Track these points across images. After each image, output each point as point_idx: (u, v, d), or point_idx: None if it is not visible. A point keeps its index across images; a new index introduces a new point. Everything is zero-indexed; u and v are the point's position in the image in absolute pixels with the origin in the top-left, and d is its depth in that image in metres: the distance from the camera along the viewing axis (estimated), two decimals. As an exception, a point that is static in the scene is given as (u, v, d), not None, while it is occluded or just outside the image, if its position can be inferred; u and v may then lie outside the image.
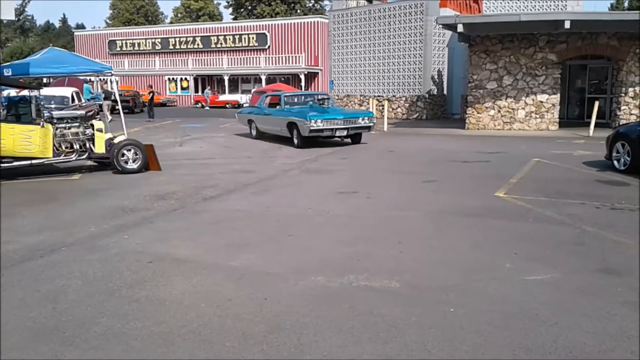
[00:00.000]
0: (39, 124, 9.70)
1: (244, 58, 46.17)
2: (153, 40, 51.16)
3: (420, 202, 7.78)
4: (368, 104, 25.00)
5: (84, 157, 10.32)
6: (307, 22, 45.16)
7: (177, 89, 49.69)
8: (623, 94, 18.11)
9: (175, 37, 50.11)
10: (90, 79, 24.77)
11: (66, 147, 10.11)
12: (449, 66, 26.51)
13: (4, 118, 9.80)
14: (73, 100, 17.47)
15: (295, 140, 14.30)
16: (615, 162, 10.08)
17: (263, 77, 43.47)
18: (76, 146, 10.15)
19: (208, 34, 48.79)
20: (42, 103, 10.61)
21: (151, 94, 26.89)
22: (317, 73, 44.02)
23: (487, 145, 14.55)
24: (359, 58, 28.14)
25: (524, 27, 17.80)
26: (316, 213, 7.09)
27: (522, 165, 10.83)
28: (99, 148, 10.32)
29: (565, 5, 27.66)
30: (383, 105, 24.28)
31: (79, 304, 4.13)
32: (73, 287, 4.49)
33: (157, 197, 8.08)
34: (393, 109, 25.62)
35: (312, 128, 13.55)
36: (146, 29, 54.47)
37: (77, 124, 10.20)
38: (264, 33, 46.07)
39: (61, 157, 10.08)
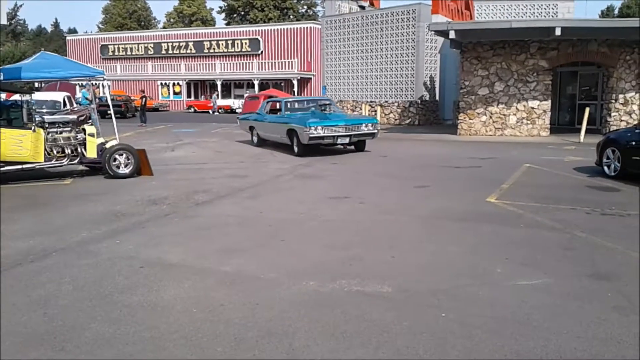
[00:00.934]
0: (30, 129, 9.66)
1: (236, 63, 46.20)
2: (145, 45, 51.09)
3: (412, 207, 7.81)
4: (361, 109, 25.06)
5: (76, 161, 10.29)
6: (300, 28, 45.28)
7: (169, 93, 49.62)
8: (613, 101, 18.26)
9: (167, 42, 50.07)
10: (82, 84, 24.68)
11: (58, 152, 10.07)
12: (441, 72, 26.63)
13: (-5, 122, 9.76)
14: (65, 104, 17.41)
15: (296, 148, 13.67)
16: (606, 168, 10.15)
17: (256, 83, 43.50)
18: (68, 151, 10.12)
19: (201, 39, 48.78)
20: (33, 107, 10.58)
21: (143, 99, 26.82)
22: (310, 78, 44.09)
23: (479, 150, 14.61)
24: (351, 64, 28.22)
25: (515, 33, 17.93)
26: (308, 218, 7.09)
27: (514, 170, 10.89)
28: (91, 153, 10.29)
29: (557, 12, 27.90)
30: (375, 111, 24.36)
31: (70, 309, 4.11)
32: (64, 292, 4.48)
33: (149, 202, 8.07)
34: (385, 114, 25.69)
35: (311, 135, 12.93)
36: (139, 34, 54.37)
37: (69, 129, 10.17)
38: (257, 38, 46.12)
39: (53, 162, 10.05)
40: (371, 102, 26.30)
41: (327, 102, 15.13)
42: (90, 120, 11.24)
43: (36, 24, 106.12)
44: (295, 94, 41.88)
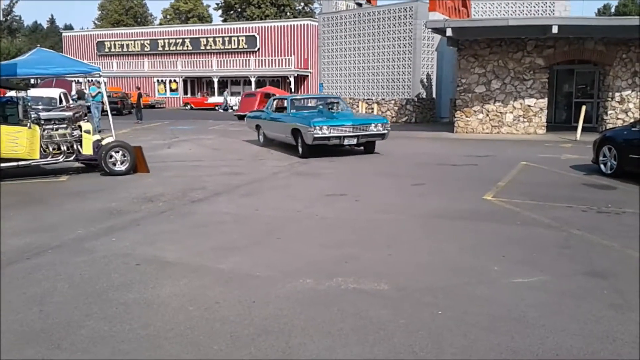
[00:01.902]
0: (26, 125, 9.62)
1: (233, 60, 46.10)
2: (142, 41, 50.93)
3: (409, 205, 7.80)
4: (357, 106, 25.05)
5: (72, 158, 10.25)
6: (297, 25, 45.20)
7: (166, 90, 49.49)
8: (610, 99, 18.30)
9: (164, 39, 49.92)
10: (78, 80, 24.61)
11: (53, 149, 10.04)
12: (437, 70, 26.63)
13: (-10, 119, 9.72)
14: (61, 101, 17.36)
15: (300, 149, 12.84)
16: (602, 166, 10.17)
17: (253, 80, 43.43)
18: (63, 148, 10.08)
19: (197, 36, 48.65)
20: (29, 104, 10.53)
21: (139, 96, 26.76)
22: (307, 76, 44.04)
23: (476, 148, 14.62)
24: (348, 61, 28.20)
25: (512, 31, 17.93)
26: (305, 216, 7.09)
27: (510, 168, 10.90)
28: (87, 150, 10.25)
29: (553, 10, 27.91)
30: (372, 108, 24.38)
31: (66, 307, 4.09)
32: (59, 289, 4.46)
33: (145, 200, 8.04)
34: (382, 112, 25.68)
35: (316, 135, 12.10)
36: (135, 30, 54.20)
37: (65, 126, 10.13)
38: (254, 35, 46.02)
39: (48, 159, 10.01)
40: (368, 99, 26.29)
41: (335, 101, 14.12)
42: (86, 117, 11.18)
43: (32, 20, 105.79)
44: (292, 91, 41.82)
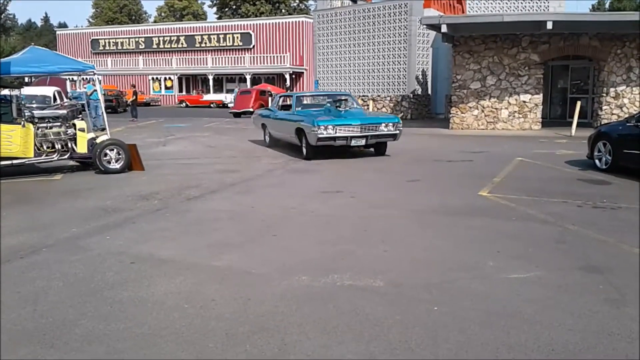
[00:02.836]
0: (20, 124, 9.57)
1: (228, 57, 46.04)
2: (136, 39, 50.81)
3: (404, 201, 7.80)
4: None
5: (66, 157, 10.21)
6: (292, 22, 45.14)
7: (161, 88, 49.39)
8: (604, 94, 18.33)
9: (159, 37, 49.81)
10: (72, 78, 24.50)
11: (48, 147, 9.99)
12: (433, 66, 26.64)
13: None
14: (55, 99, 17.28)
15: (304, 150, 12.01)
16: (597, 161, 10.19)
17: (248, 77, 43.37)
18: (58, 146, 10.04)
19: (192, 33, 48.56)
20: (23, 102, 10.47)
21: (134, 94, 26.69)
22: (302, 73, 44.01)
23: (471, 144, 14.63)
24: (343, 58, 28.16)
25: (507, 27, 17.95)
26: (300, 213, 7.07)
27: (506, 164, 10.91)
28: (81, 148, 10.21)
29: (548, 6, 27.93)
30: (368, 105, 24.35)
31: (60, 306, 4.07)
32: (54, 288, 4.43)
33: (140, 198, 8.02)
34: (378, 108, 25.67)
35: (320, 136, 11.24)
36: (129, 28, 54.08)
37: (59, 124, 10.09)
38: (249, 33, 45.96)
39: (42, 157, 9.97)
40: (363, 96, 26.27)
41: (344, 98, 12.99)
42: (80, 115, 11.12)
43: (26, 19, 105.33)
44: (288, 88, 41.76)
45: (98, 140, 10.35)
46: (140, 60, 49.57)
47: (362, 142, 11.79)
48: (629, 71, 18.13)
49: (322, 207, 7.43)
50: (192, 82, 49.39)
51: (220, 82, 47.20)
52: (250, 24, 46.95)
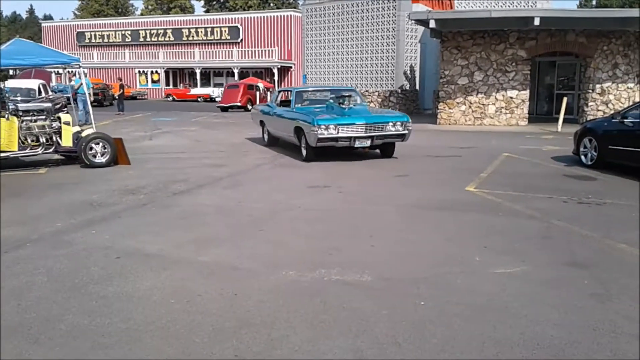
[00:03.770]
0: (4, 117, 9.44)
1: (216, 51, 45.74)
2: (123, 32, 50.31)
3: (392, 196, 7.81)
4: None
5: (51, 150, 10.10)
6: (280, 16, 44.95)
7: (147, 82, 49.00)
8: (590, 90, 18.47)
9: (145, 30, 49.34)
10: (58, 71, 24.24)
11: (32, 141, 9.87)
12: (421, 62, 26.66)
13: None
14: (40, 92, 17.08)
15: (303, 151, 11.02)
16: (583, 157, 10.27)
17: (236, 71, 43.14)
18: (42, 139, 9.92)
19: (179, 27, 48.18)
20: (7, 95, 10.33)
21: (121, 87, 26.47)
22: (291, 67, 43.87)
23: (458, 140, 14.68)
24: (332, 52, 28.11)
25: (494, 23, 18.00)
26: (288, 207, 7.06)
27: (492, 160, 10.96)
28: (66, 141, 10.10)
29: (535, 2, 28.06)
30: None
31: (44, 301, 4.03)
32: (38, 283, 4.38)
33: (126, 192, 7.95)
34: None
35: (321, 136, 10.26)
36: (116, 21, 53.53)
37: (44, 117, 9.97)
38: (237, 26, 45.68)
39: (27, 151, 9.85)
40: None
41: (348, 94, 11.92)
42: (65, 109, 11.00)
43: (11, 11, 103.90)
44: (276, 83, 41.63)
45: (83, 134, 10.24)
46: (126, 53, 49.10)
47: (367, 143, 10.72)
48: (614, 68, 18.28)
49: (310, 201, 7.42)
50: (179, 75, 49.03)
51: (208, 76, 46.91)
52: (238, 18, 46.67)
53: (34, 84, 17.61)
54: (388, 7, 25.52)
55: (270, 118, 13.18)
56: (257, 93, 30.70)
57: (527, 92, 19.05)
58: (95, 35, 51.46)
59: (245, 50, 44.58)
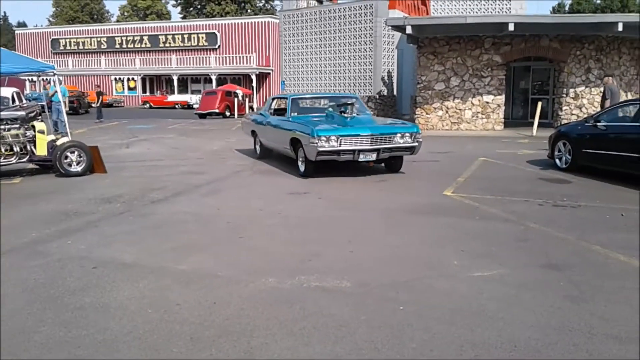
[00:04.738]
0: (-25, 126, 9.27)
1: (193, 58, 45.53)
2: (98, 39, 49.84)
3: (371, 201, 7.84)
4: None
5: (25, 160, 9.93)
6: (258, 22, 44.94)
7: (124, 89, 48.56)
8: (564, 95, 18.80)
9: (121, 36, 48.95)
10: (32, 79, 23.88)
11: (6, 150, 9.70)
12: (398, 67, 26.88)
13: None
14: (13, 100, 16.80)
15: (301, 166, 9.88)
16: (557, 161, 10.43)
17: (213, 77, 42.96)
18: (16, 148, 9.76)
19: (156, 33, 47.88)
20: (-21, 104, 10.16)
21: (99, 95, 26.20)
22: (269, 73, 43.86)
23: (436, 145, 14.79)
24: (310, 58, 28.19)
25: (470, 29, 18.24)
26: (267, 214, 7.04)
27: (469, 164, 11.08)
28: (41, 150, 9.95)
29: (510, 8, 28.50)
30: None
31: (19, 313, 3.95)
32: (12, 295, 4.30)
33: (103, 201, 7.86)
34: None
35: (321, 149, 9.12)
36: (91, 28, 53.00)
37: (17, 126, 9.81)
38: (214, 32, 45.56)
39: (0, 160, 9.67)
40: (330, 97, 26.31)
41: (350, 102, 10.52)
42: (40, 117, 10.84)
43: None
44: (254, 89, 41.58)
45: (58, 143, 10.10)
46: (102, 60, 48.61)
47: (373, 156, 9.52)
48: (587, 72, 18.64)
49: (290, 208, 7.41)
50: (156, 82, 48.69)
51: (185, 82, 46.66)
52: (215, 24, 46.54)
53: (7, 92, 17.30)
54: (365, 13, 25.70)
55: (264, 128, 11.99)
56: (236, 100, 30.60)
57: (503, 96, 19.31)
58: (70, 42, 50.89)
59: (223, 57, 44.45)
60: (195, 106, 34.93)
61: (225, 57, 44.32)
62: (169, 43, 47.11)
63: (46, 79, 21.56)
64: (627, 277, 4.61)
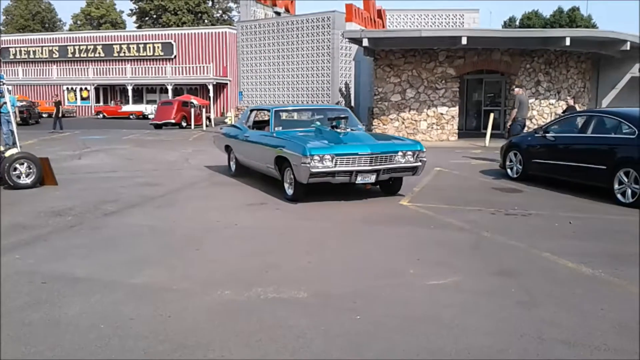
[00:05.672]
0: None
1: (149, 68, 44.86)
2: (50, 47, 48.58)
3: (327, 212, 7.86)
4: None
5: (-29, 171, 9.56)
6: (215, 32, 44.71)
7: (76, 99, 47.39)
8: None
9: (74, 45, 47.84)
10: (8, 89, 23.02)
11: (-51, 161, 9.33)
12: (355, 79, 27.12)
13: None
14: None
15: (288, 189, 8.65)
16: (509, 171, 10.72)
17: (170, 87, 42.41)
18: (-39, 160, 9.39)
19: (110, 42, 47.02)
20: None
21: (57, 105, 25.50)
22: (227, 84, 43.63)
23: (393, 155, 14.96)
24: (268, 69, 28.20)
25: (425, 42, 18.60)
26: (224, 225, 6.97)
27: (425, 174, 11.20)
28: (-12, 162, 9.60)
29: (463, 22, 29.22)
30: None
31: (-38, 332, 3.79)
32: (-45, 313, 4.12)
33: (53, 214, 7.63)
34: (302, 120, 25.81)
35: (313, 170, 7.90)
36: (43, 36, 51.62)
37: (-38, 136, 9.46)
38: (170, 42, 45.06)
39: (-56, 172, 9.29)
40: (287, 108, 26.34)
41: (343, 115, 9.46)
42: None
43: None
44: (211, 99, 41.26)
45: (7, 154, 9.77)
46: (54, 69, 47.37)
47: (372, 178, 8.35)
48: (537, 85, 19.26)
49: (247, 219, 7.36)
50: (110, 92, 47.71)
51: (140, 92, 45.91)
52: (171, 34, 46.03)
53: (-48, 101, 16.64)
54: (322, 25, 25.91)
55: (240, 143, 10.70)
56: (192, 110, 30.27)
57: (457, 108, 19.74)
58: (20, 51, 49.44)
59: (179, 67, 43.97)
60: (151, 116, 34.34)
61: (182, 67, 43.87)
62: (124, 53, 46.32)
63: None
64: (576, 283, 4.76)
